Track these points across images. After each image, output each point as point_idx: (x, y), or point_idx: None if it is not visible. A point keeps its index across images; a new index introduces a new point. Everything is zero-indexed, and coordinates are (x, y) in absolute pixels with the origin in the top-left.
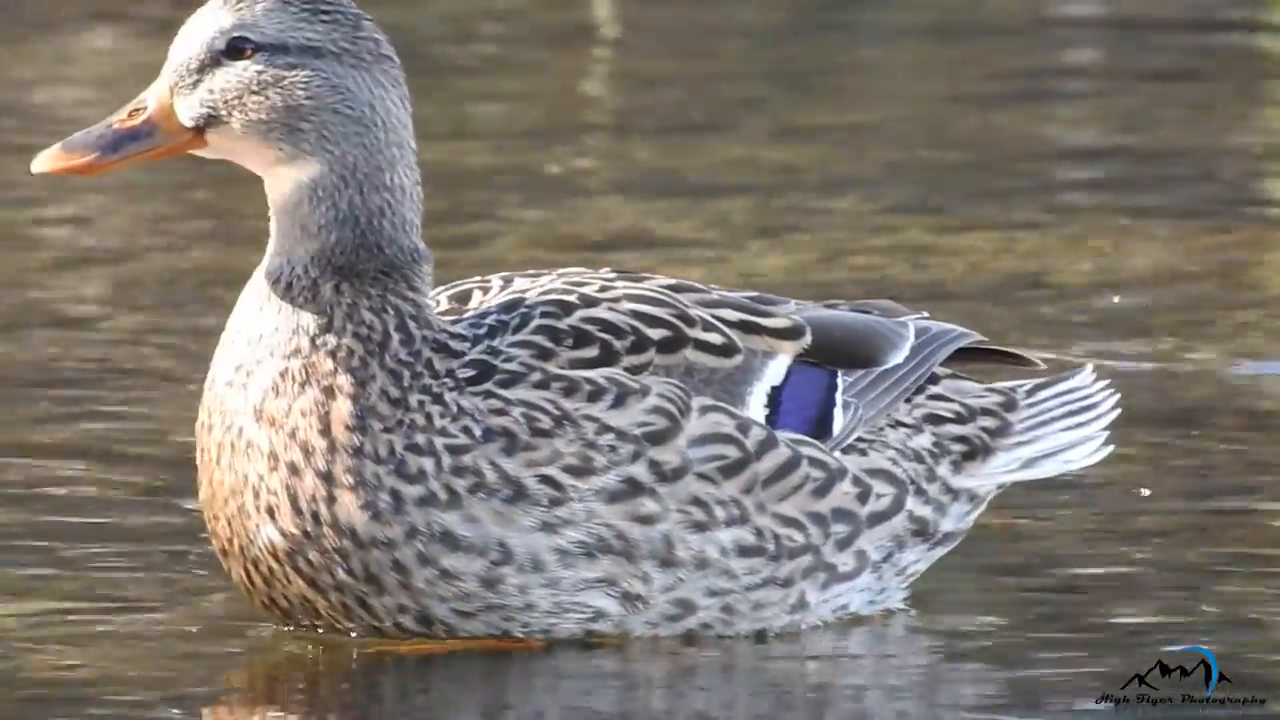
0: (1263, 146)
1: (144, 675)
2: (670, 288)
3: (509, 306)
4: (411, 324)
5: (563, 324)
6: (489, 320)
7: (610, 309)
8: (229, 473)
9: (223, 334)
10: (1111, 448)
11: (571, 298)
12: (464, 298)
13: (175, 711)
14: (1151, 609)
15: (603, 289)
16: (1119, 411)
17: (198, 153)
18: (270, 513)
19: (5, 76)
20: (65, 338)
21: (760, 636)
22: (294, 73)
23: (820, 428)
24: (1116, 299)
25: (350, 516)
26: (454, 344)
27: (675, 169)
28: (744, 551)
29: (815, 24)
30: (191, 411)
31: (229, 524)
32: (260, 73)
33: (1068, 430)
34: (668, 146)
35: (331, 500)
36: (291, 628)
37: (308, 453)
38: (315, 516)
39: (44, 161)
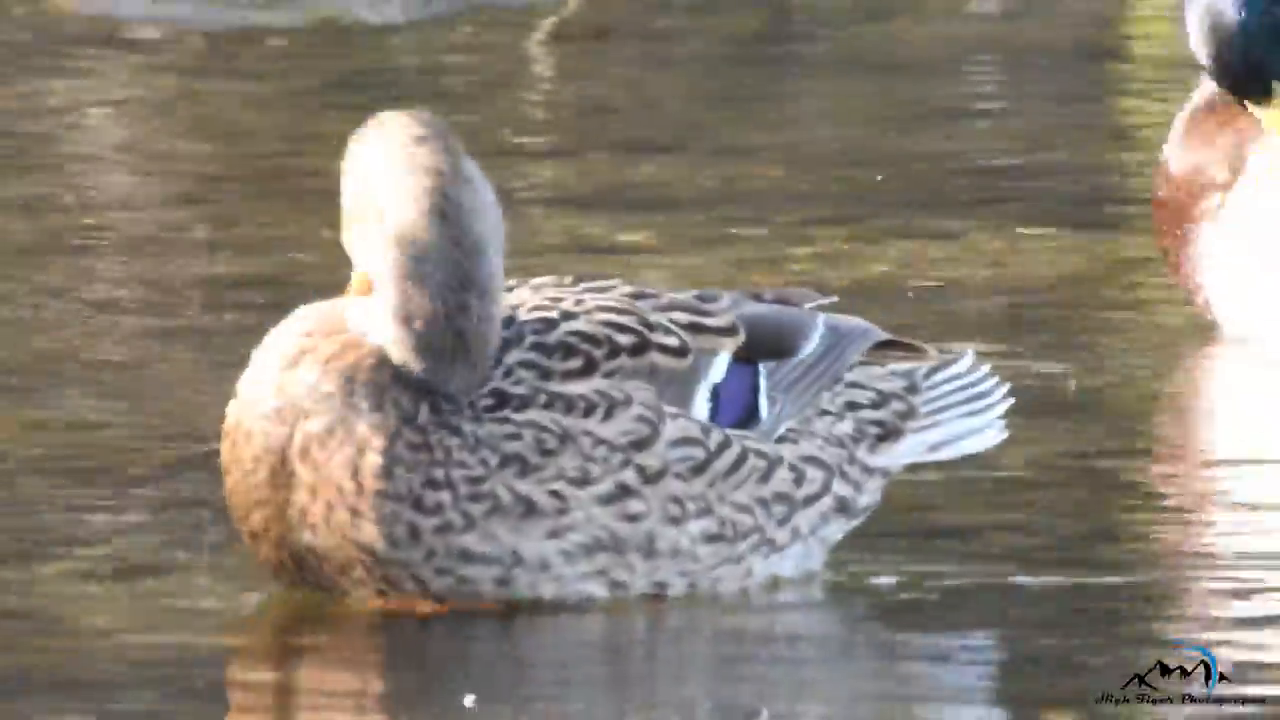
0: (1137, 162)
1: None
2: (630, 295)
3: (505, 323)
4: (442, 400)
5: (550, 339)
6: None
7: (587, 321)
8: (268, 489)
9: (266, 347)
10: (1007, 435)
11: (553, 314)
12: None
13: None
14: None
15: (576, 303)
16: (1011, 401)
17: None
18: (312, 528)
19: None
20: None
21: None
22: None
23: (749, 416)
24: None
25: (371, 542)
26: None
27: (626, 184)
28: (709, 539)
29: (751, 56)
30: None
31: (265, 521)
32: None
33: (966, 417)
34: (617, 164)
35: (357, 528)
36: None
37: (341, 493)
38: (344, 537)
39: None
